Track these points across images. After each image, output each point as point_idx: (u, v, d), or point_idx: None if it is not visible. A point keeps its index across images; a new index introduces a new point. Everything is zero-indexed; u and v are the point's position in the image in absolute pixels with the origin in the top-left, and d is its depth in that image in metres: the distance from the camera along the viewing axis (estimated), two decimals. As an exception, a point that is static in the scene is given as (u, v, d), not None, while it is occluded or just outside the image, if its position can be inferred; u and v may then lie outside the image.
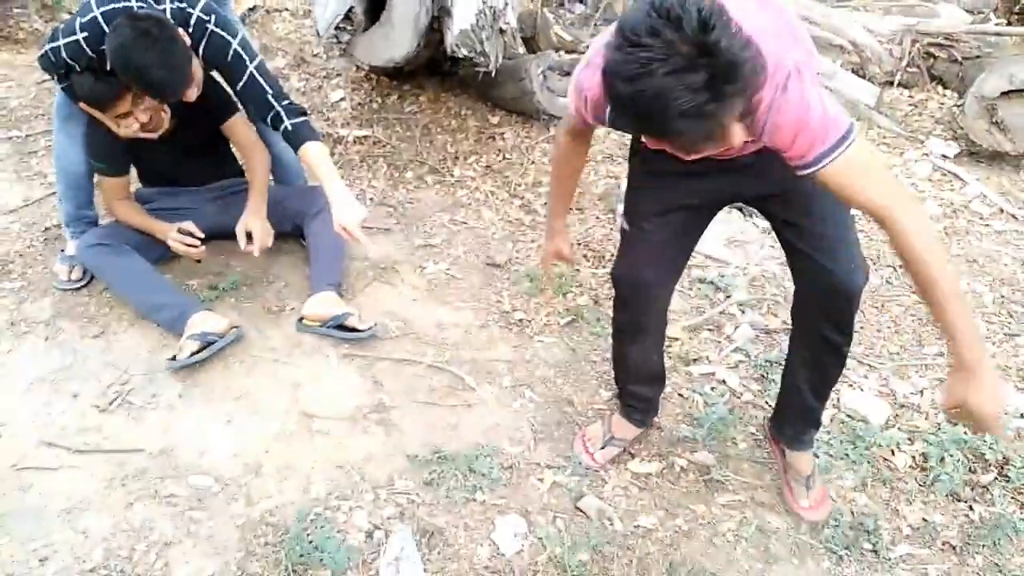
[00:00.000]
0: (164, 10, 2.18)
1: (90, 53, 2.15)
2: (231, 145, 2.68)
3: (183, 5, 2.21)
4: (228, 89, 2.42)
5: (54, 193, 2.91)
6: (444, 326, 2.56)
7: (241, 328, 2.38)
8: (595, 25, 4.56)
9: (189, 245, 2.45)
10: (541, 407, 2.28)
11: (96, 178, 2.55)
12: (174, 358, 2.22)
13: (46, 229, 2.79)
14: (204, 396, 2.18)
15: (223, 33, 2.24)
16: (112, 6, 2.13)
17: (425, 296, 2.69)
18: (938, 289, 1.33)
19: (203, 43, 2.22)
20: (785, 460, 2.07)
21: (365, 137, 3.54)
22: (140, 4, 2.15)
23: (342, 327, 2.40)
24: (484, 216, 3.15)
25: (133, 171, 2.60)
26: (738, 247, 3.06)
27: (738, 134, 1.22)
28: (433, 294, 2.70)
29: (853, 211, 1.64)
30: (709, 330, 2.62)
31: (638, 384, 2.08)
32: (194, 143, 2.56)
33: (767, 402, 2.33)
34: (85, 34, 2.13)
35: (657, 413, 2.20)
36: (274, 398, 2.21)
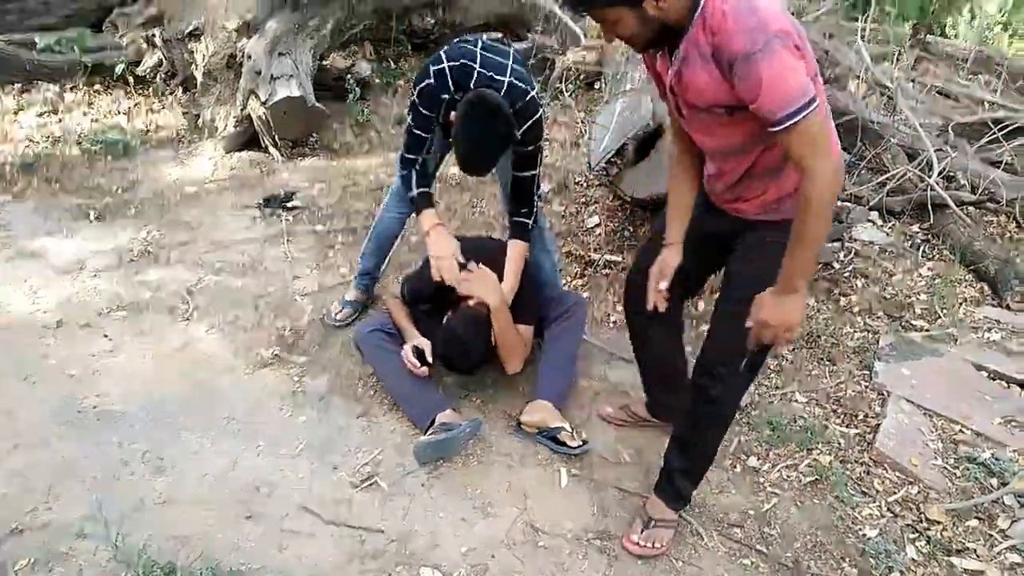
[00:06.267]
0: (503, 83, 2.37)
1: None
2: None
3: (523, 85, 2.41)
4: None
5: (344, 283, 3.32)
6: (676, 462, 2.51)
7: (480, 419, 2.52)
8: (858, 174, 4.43)
9: (417, 366, 2.56)
10: (772, 571, 2.13)
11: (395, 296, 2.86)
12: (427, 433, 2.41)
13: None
14: (444, 489, 2.31)
15: (543, 126, 2.50)
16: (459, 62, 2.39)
17: (660, 428, 2.67)
18: (797, 234, 1.63)
19: (529, 123, 2.43)
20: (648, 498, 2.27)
21: (615, 262, 3.67)
22: (482, 70, 2.38)
23: (555, 440, 2.47)
24: (727, 354, 3.10)
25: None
26: (1017, 429, 2.72)
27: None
28: (669, 427, 2.67)
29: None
30: (978, 519, 2.32)
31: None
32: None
33: (1050, 619, 2.00)
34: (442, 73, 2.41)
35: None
36: (505, 504, 2.28)
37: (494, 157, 2.39)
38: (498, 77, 2.38)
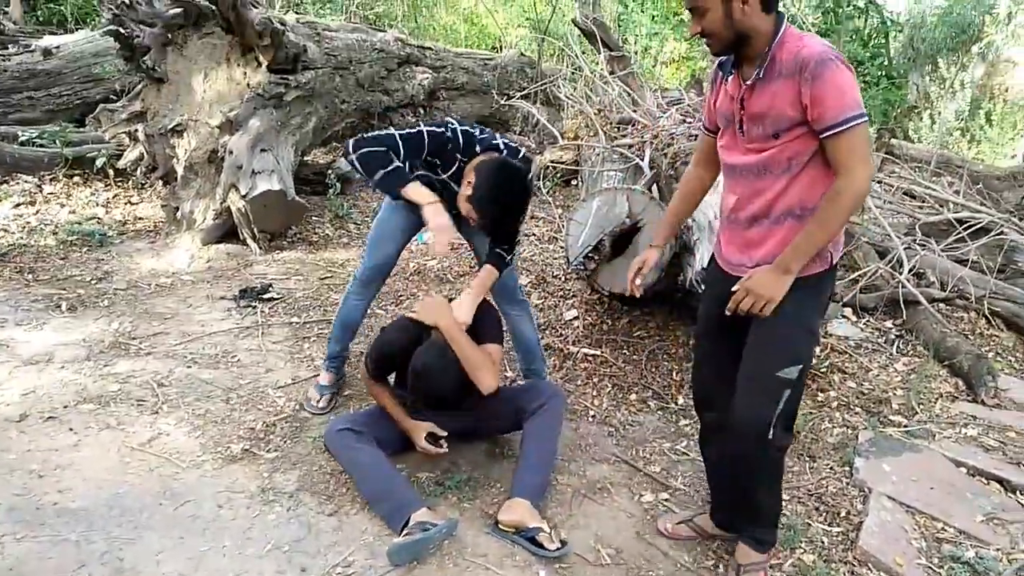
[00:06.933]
0: (501, 144, 2.68)
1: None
2: None
3: (515, 145, 2.74)
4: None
5: (318, 375, 3.28)
6: (656, 562, 2.43)
7: (456, 518, 2.44)
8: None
9: (438, 450, 2.67)
10: (762, 677, 2.04)
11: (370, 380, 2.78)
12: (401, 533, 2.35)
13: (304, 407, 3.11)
14: (417, 595, 2.21)
15: (533, 181, 2.86)
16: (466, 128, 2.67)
17: (640, 526, 2.60)
18: (818, 216, 1.86)
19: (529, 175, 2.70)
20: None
21: (594, 356, 3.66)
22: (481, 136, 2.66)
23: (533, 541, 2.40)
24: (707, 450, 3.06)
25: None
26: (1000, 527, 2.69)
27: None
28: (649, 525, 2.60)
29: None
30: (967, 622, 2.26)
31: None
32: None
33: None
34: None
35: None
36: (481, 609, 2.18)
37: (519, 217, 2.69)
38: (495, 141, 2.69)
